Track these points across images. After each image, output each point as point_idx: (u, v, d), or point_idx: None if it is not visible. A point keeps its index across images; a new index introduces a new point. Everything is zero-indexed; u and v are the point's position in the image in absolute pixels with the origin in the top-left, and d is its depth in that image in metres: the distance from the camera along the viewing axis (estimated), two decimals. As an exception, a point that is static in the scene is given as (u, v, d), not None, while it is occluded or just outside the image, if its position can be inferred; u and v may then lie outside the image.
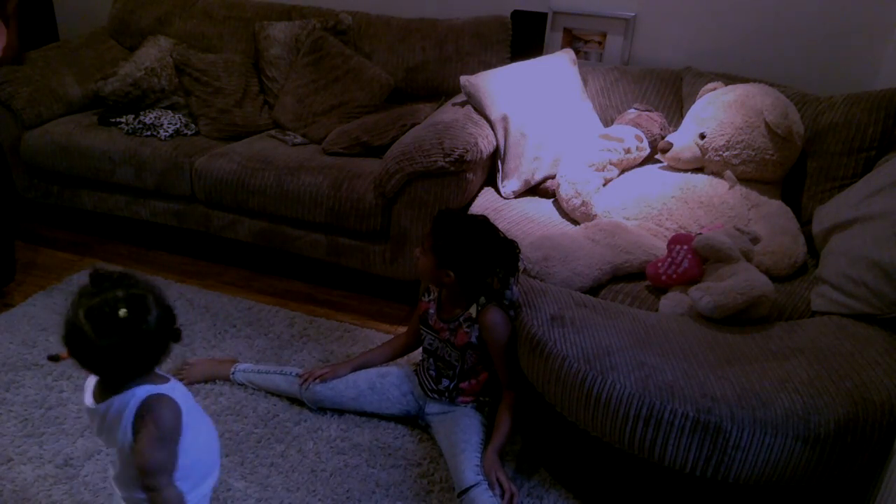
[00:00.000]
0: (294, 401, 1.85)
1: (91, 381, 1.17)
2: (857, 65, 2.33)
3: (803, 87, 2.22)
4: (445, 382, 1.74)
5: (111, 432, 1.14)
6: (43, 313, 2.21)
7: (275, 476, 1.63)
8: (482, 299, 1.65)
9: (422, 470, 1.67)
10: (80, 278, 2.41)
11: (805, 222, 1.95)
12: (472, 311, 1.65)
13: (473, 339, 1.65)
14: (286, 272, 2.55)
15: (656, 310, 1.69)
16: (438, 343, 1.73)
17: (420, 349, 1.83)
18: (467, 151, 2.03)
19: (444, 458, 1.66)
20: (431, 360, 1.77)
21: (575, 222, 2.08)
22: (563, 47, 2.60)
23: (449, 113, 2.27)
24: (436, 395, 1.76)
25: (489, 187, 2.27)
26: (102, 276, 1.09)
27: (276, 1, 2.94)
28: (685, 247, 1.72)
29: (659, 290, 1.74)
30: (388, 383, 1.80)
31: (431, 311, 1.74)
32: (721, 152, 2.02)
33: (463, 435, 1.64)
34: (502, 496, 1.50)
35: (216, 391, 1.88)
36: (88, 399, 1.15)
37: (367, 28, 2.74)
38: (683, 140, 2.09)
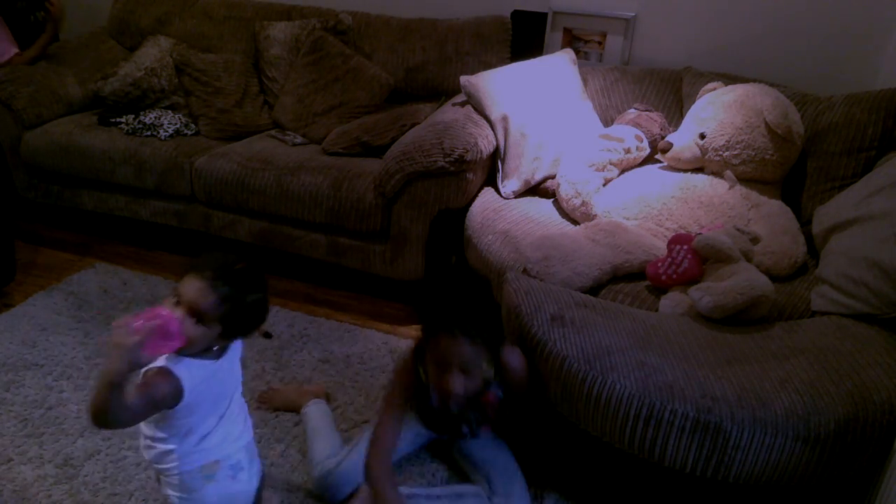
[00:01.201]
0: (294, 401, 1.85)
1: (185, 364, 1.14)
2: (857, 65, 2.33)
3: (803, 87, 2.22)
4: (466, 430, 1.56)
5: (233, 374, 1.27)
6: (43, 313, 2.21)
7: (275, 476, 1.62)
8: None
9: (422, 470, 1.66)
10: (80, 278, 2.41)
11: (805, 222, 1.95)
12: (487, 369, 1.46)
13: (500, 393, 1.49)
14: (286, 272, 2.55)
15: (656, 310, 1.69)
16: (453, 419, 1.52)
17: None
18: (467, 151, 2.03)
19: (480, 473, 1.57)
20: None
21: (575, 222, 2.08)
22: (563, 47, 2.60)
23: (449, 113, 2.27)
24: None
25: (489, 187, 2.27)
26: (213, 256, 1.19)
27: (276, 1, 2.94)
28: (685, 247, 1.72)
29: (659, 290, 1.74)
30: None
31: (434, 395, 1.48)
32: (721, 152, 2.02)
33: (506, 476, 1.55)
34: None
35: (216, 391, 1.88)
36: (209, 362, 1.17)
37: (367, 28, 2.74)
38: (683, 140, 2.09)
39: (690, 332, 1.53)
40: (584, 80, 2.42)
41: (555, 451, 1.74)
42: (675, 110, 2.34)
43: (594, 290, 1.76)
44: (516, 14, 2.65)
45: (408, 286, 2.35)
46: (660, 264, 1.73)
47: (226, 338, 1.17)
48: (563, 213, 2.13)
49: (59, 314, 2.21)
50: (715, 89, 2.14)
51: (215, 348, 1.18)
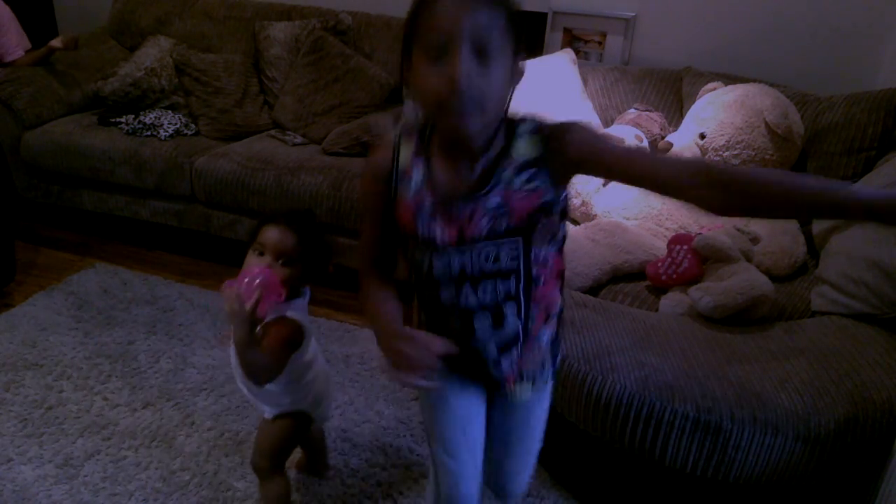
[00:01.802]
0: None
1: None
2: (857, 65, 2.33)
3: (803, 87, 2.22)
4: (511, 316, 0.97)
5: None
6: (43, 313, 2.21)
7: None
8: (522, 124, 0.93)
9: (422, 470, 1.67)
10: (80, 278, 2.41)
11: (805, 222, 1.95)
12: (523, 148, 0.91)
13: (549, 197, 0.90)
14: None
15: (656, 310, 1.69)
16: (467, 254, 0.93)
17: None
18: (467, 151, 2.03)
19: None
20: (459, 299, 0.96)
21: (575, 222, 2.08)
22: (563, 47, 2.60)
23: (449, 113, 2.27)
24: (507, 361, 1.01)
25: (489, 187, 2.26)
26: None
27: (276, 1, 2.94)
28: (685, 247, 1.72)
29: (659, 290, 1.74)
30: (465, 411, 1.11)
31: (427, 202, 0.92)
32: (721, 152, 2.02)
33: (530, 442, 1.16)
34: None
35: (217, 391, 1.88)
36: (301, 301, 1.31)
37: (367, 28, 2.74)
38: (683, 140, 2.09)
39: (690, 332, 1.53)
40: (584, 80, 2.42)
41: (555, 450, 1.74)
42: (675, 110, 2.34)
43: (594, 290, 1.76)
44: (516, 14, 2.64)
45: (408, 286, 2.35)
46: (660, 264, 1.73)
47: (307, 275, 1.27)
48: (563, 213, 2.12)
49: (59, 314, 2.21)
50: (715, 89, 2.14)
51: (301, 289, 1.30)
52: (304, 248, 1.24)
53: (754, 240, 1.79)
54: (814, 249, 1.87)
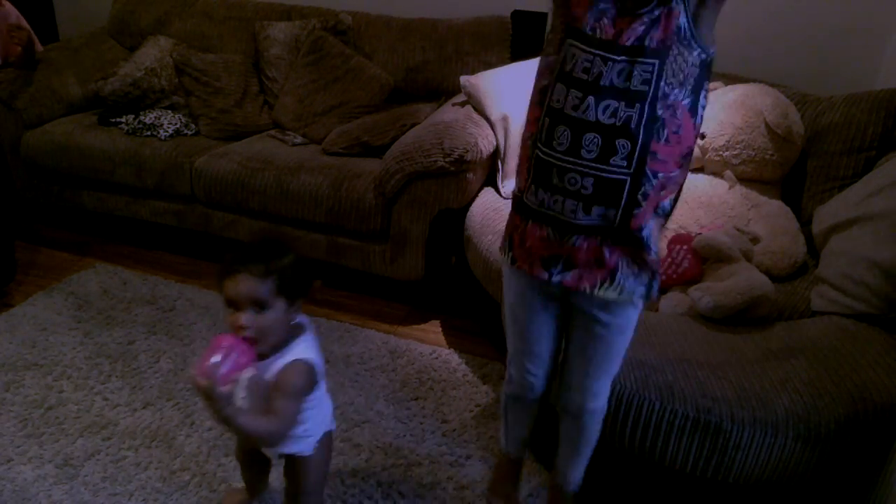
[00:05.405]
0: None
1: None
2: (857, 65, 2.33)
3: (803, 87, 2.22)
4: (619, 158, 1.00)
5: None
6: (43, 313, 2.21)
7: (274, 476, 1.62)
8: None
9: (422, 470, 1.67)
10: (80, 278, 2.41)
11: (805, 222, 1.95)
12: None
13: (682, 21, 0.99)
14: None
15: (656, 310, 1.69)
16: (609, 63, 1.00)
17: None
18: (467, 151, 2.03)
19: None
20: (580, 107, 1.01)
21: (575, 222, 2.07)
22: (563, 47, 2.60)
23: (449, 113, 2.27)
24: (588, 223, 1.07)
25: (489, 187, 2.27)
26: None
27: (276, 1, 2.94)
28: (685, 247, 1.72)
29: (659, 290, 1.74)
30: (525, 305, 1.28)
31: (603, 2, 1.02)
32: (721, 152, 2.02)
33: (605, 359, 1.23)
34: None
35: (216, 391, 1.88)
36: (309, 336, 1.24)
37: (367, 28, 2.74)
38: (683, 140, 2.09)
39: (690, 332, 1.53)
40: (584, 80, 2.42)
41: (555, 451, 1.74)
42: (675, 110, 2.34)
43: (594, 290, 1.76)
44: (516, 14, 2.64)
45: (408, 286, 2.35)
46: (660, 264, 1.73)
47: (292, 305, 1.18)
48: (563, 213, 2.12)
49: (59, 314, 2.21)
50: (715, 89, 2.14)
51: (296, 320, 1.21)
52: (276, 284, 1.12)
53: (754, 240, 1.79)
54: (814, 249, 1.87)
